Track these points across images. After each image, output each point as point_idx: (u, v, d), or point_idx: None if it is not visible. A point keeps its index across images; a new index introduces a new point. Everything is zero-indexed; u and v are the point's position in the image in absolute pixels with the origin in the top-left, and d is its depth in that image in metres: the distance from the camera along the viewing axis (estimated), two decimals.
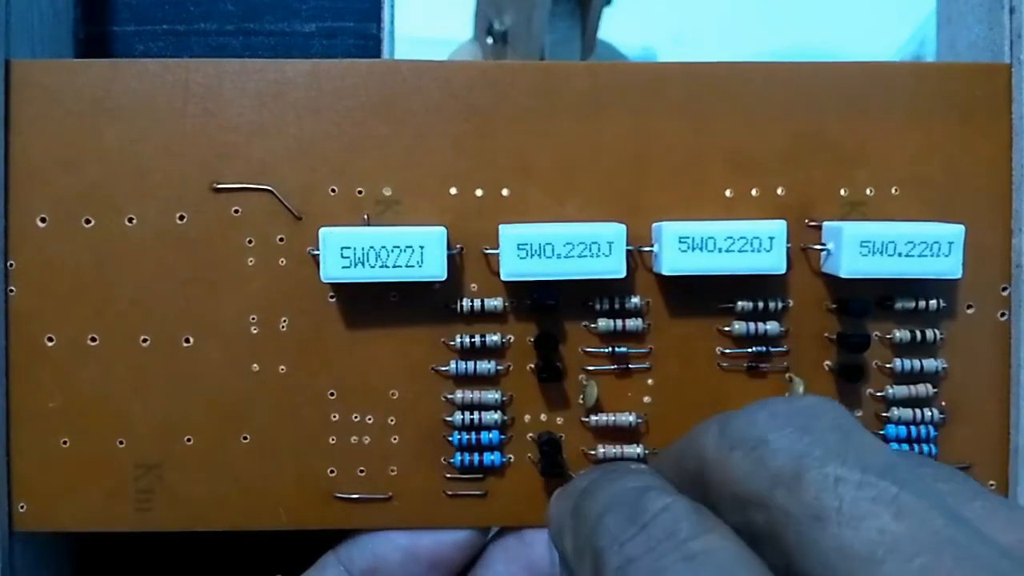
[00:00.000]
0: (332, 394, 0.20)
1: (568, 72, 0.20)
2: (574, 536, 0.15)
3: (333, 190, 0.19)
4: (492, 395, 0.20)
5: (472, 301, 0.19)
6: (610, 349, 0.20)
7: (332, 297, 0.20)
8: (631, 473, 0.16)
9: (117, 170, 0.19)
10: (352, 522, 0.20)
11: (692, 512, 0.13)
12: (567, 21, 0.40)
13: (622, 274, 0.19)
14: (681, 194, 0.20)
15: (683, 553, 0.13)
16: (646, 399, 0.20)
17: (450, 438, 0.20)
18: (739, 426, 0.14)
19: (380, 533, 0.20)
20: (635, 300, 0.20)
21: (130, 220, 0.19)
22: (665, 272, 0.19)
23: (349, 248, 0.18)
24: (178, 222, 0.19)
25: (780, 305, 0.20)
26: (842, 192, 0.20)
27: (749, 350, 0.20)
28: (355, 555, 0.20)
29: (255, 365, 0.19)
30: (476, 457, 0.20)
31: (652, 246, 0.19)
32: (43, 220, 0.19)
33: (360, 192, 0.19)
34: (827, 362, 0.20)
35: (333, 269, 0.18)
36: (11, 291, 0.19)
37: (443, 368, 0.20)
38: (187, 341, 0.19)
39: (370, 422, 0.20)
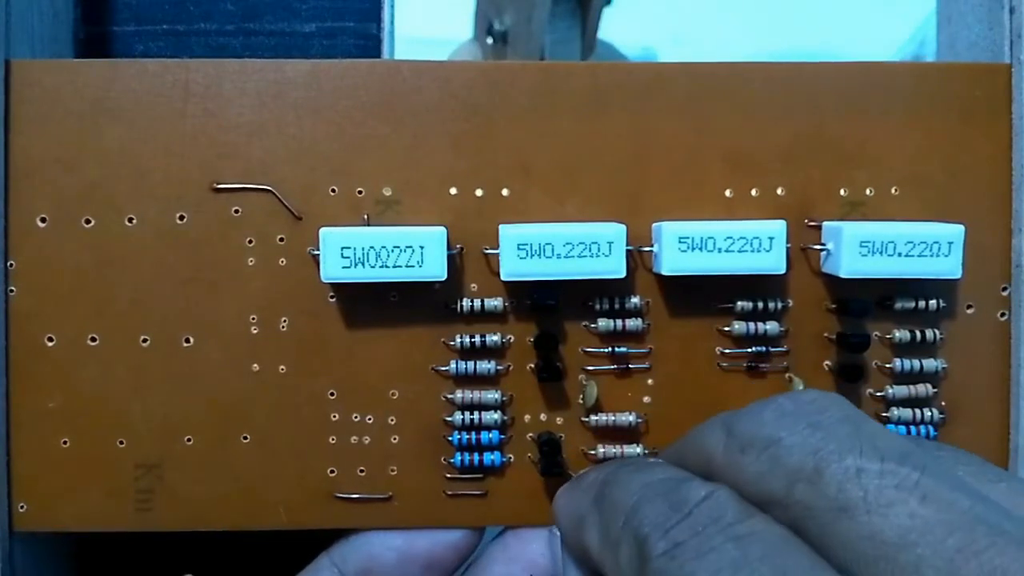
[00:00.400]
0: (332, 394, 0.20)
1: (568, 72, 0.20)
2: (603, 527, 0.15)
3: (333, 190, 0.19)
4: (492, 395, 0.20)
5: (472, 301, 0.19)
6: (610, 349, 0.20)
7: (332, 297, 0.20)
8: (652, 465, 0.16)
9: (117, 170, 0.19)
10: (352, 522, 0.20)
11: (735, 499, 0.13)
12: (567, 21, 0.40)
13: (622, 274, 0.19)
14: (681, 194, 0.20)
15: (730, 535, 0.13)
16: (646, 399, 0.20)
17: (450, 438, 0.20)
18: (747, 427, 0.14)
19: (374, 533, 0.20)
20: (635, 300, 0.20)
21: (130, 220, 0.19)
22: (665, 272, 0.19)
23: (349, 248, 0.18)
24: (178, 222, 0.19)
25: (780, 305, 0.20)
26: (842, 192, 0.20)
27: (749, 350, 0.20)
28: (348, 556, 0.20)
29: (255, 365, 0.19)
30: (476, 457, 0.20)
31: (652, 246, 0.19)
32: (43, 220, 0.19)
33: (360, 192, 0.19)
34: (827, 362, 0.20)
35: (333, 269, 0.18)
36: (11, 291, 0.19)
37: (443, 368, 0.20)
38: (187, 341, 0.19)
39: (370, 422, 0.20)
